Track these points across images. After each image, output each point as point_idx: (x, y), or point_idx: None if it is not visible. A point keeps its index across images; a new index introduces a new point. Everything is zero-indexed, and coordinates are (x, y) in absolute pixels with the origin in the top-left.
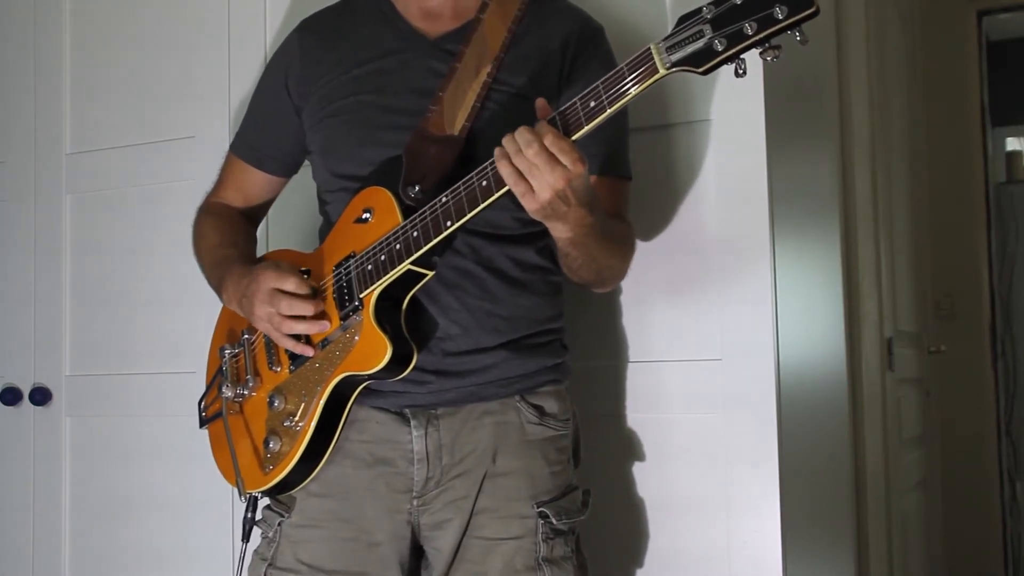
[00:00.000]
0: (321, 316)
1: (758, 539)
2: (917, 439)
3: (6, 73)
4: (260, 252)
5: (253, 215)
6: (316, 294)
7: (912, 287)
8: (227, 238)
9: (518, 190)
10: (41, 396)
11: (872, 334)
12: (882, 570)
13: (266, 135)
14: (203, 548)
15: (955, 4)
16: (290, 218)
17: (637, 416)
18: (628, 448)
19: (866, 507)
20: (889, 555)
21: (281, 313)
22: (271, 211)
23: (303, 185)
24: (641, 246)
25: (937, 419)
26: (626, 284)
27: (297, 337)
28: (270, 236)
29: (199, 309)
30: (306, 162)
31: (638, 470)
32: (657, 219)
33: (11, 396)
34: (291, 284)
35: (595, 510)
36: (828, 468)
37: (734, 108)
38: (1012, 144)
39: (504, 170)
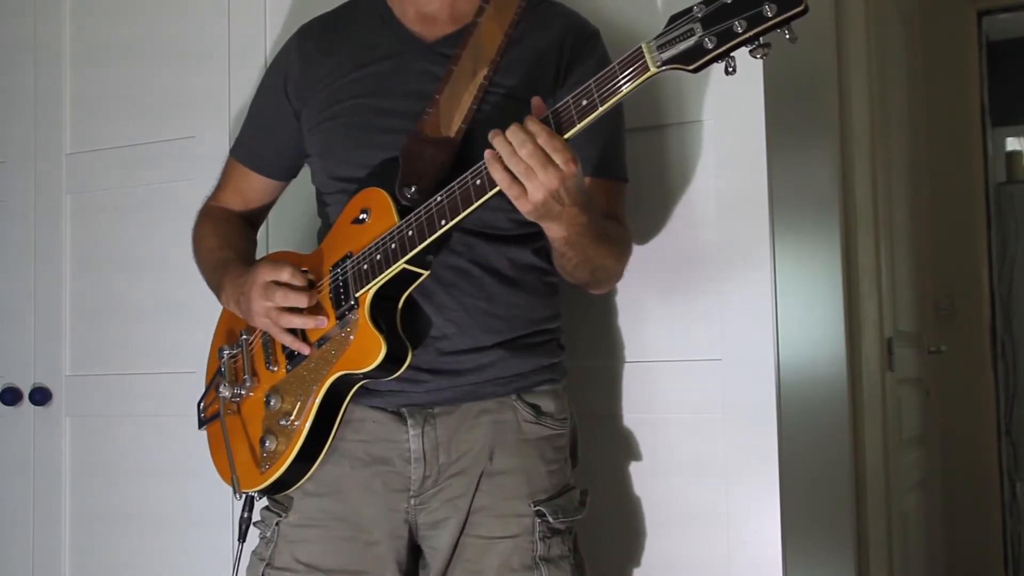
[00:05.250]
0: (316, 309)
1: (758, 539)
2: (917, 439)
3: (6, 73)
4: (261, 254)
5: (253, 219)
6: (312, 285)
7: (912, 287)
8: (226, 241)
9: (512, 193)
10: (41, 396)
11: (872, 334)
12: (882, 570)
13: (265, 139)
14: (203, 548)
15: (955, 4)
16: (290, 220)
17: (637, 416)
18: (628, 448)
19: (866, 507)
20: (889, 555)
21: (277, 306)
22: (272, 213)
23: (303, 187)
24: (643, 246)
25: (937, 419)
26: (627, 284)
27: (295, 333)
28: (270, 238)
29: (199, 309)
30: (305, 164)
31: (638, 470)
32: (658, 219)
33: (11, 396)
34: (286, 274)
35: (594, 510)
36: (828, 468)
37: (735, 108)
38: (1012, 144)
39: (497, 174)
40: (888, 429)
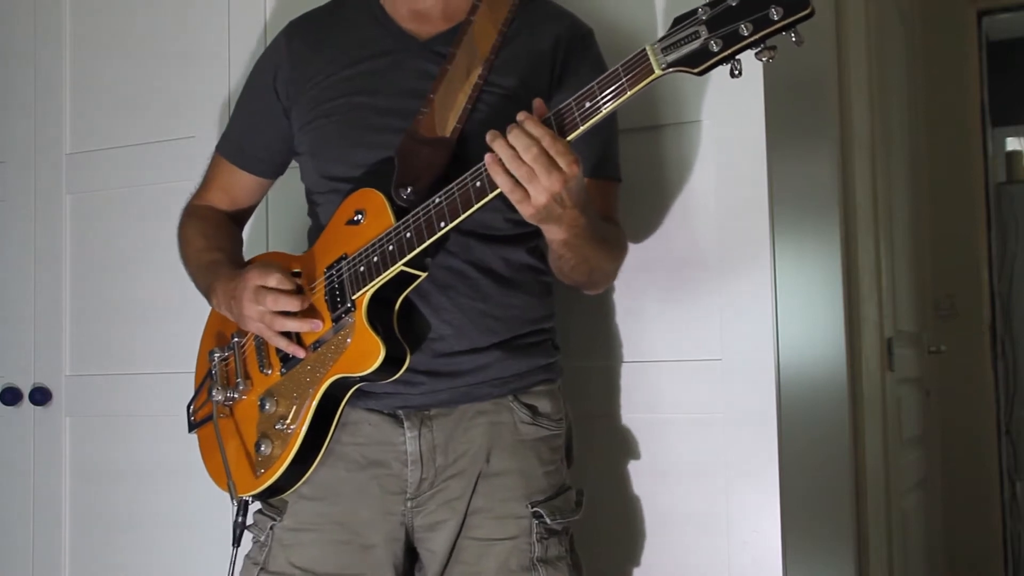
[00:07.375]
0: (310, 312)
1: (758, 539)
2: (917, 439)
3: (6, 73)
4: (262, 252)
5: (238, 217)
6: (300, 288)
7: (912, 287)
8: (213, 242)
9: (514, 197)
10: (41, 396)
11: (872, 334)
12: (882, 570)
13: (253, 136)
14: (203, 548)
15: (955, 4)
16: (290, 220)
17: (637, 417)
18: (627, 449)
19: (866, 507)
20: (889, 555)
21: (270, 310)
22: (271, 212)
23: (303, 187)
24: (644, 247)
25: (937, 419)
26: (628, 284)
27: (289, 336)
28: (270, 237)
29: (199, 309)
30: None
31: (638, 470)
32: (658, 219)
33: (11, 396)
34: (273, 280)
35: (594, 511)
36: (828, 468)
37: (735, 108)
38: (1012, 144)
39: (499, 178)
40: (888, 429)
